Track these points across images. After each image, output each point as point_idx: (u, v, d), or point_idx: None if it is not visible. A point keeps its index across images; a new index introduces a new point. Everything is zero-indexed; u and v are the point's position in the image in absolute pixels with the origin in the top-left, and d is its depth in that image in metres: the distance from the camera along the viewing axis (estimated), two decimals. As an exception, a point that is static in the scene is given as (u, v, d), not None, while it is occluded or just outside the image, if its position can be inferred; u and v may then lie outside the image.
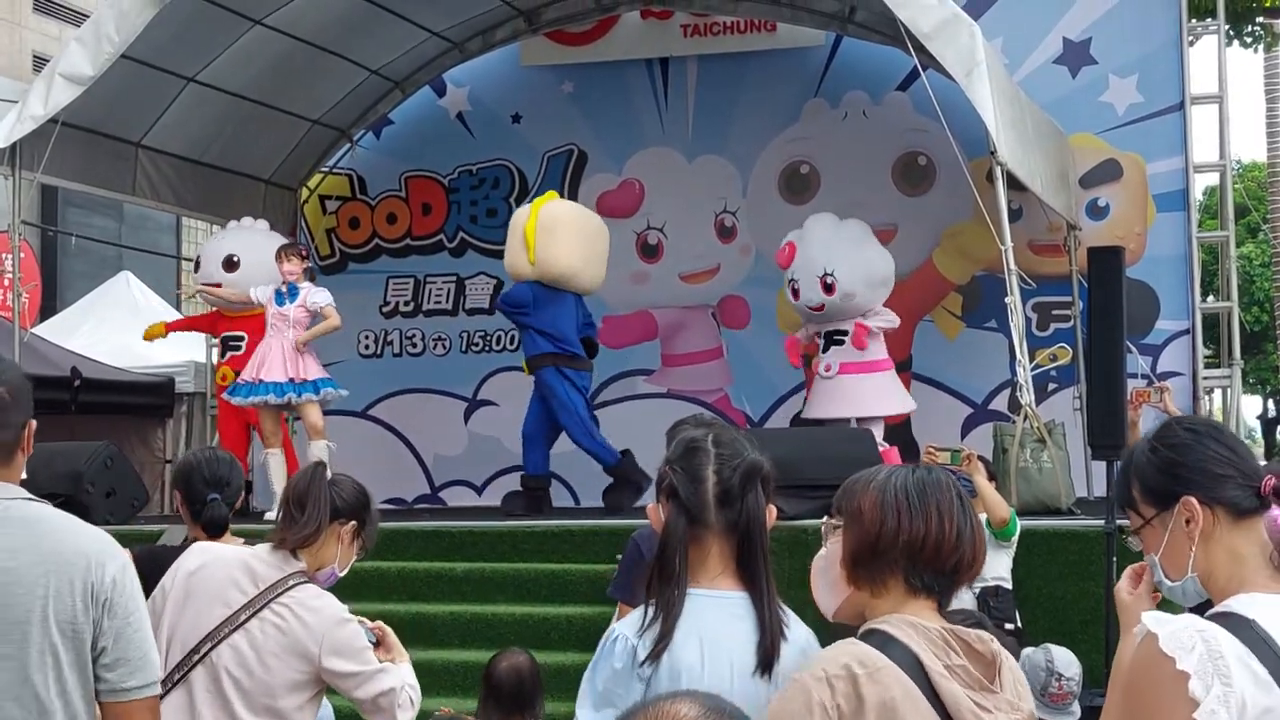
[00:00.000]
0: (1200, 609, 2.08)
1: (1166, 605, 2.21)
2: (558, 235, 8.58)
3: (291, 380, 8.47)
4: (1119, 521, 6.25)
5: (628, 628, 2.48)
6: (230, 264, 9.62)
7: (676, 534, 2.48)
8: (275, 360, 8.49)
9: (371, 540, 3.51)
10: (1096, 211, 10.04)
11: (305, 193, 11.67)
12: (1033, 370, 7.73)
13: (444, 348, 11.37)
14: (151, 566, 3.31)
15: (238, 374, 8.91)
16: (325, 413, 8.88)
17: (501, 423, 10.54)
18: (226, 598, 3.21)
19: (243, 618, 3.18)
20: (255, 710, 3.14)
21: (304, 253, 8.90)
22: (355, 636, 3.26)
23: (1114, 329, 7.00)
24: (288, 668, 3.17)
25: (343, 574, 3.45)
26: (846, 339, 8.64)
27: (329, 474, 3.45)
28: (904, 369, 9.64)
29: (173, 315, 13.82)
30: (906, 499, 2.18)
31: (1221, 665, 1.90)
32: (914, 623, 2.12)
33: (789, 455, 7.00)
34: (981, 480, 6.21)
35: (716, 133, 10.84)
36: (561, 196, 11.04)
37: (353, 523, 3.42)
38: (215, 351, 10.50)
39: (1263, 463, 2.26)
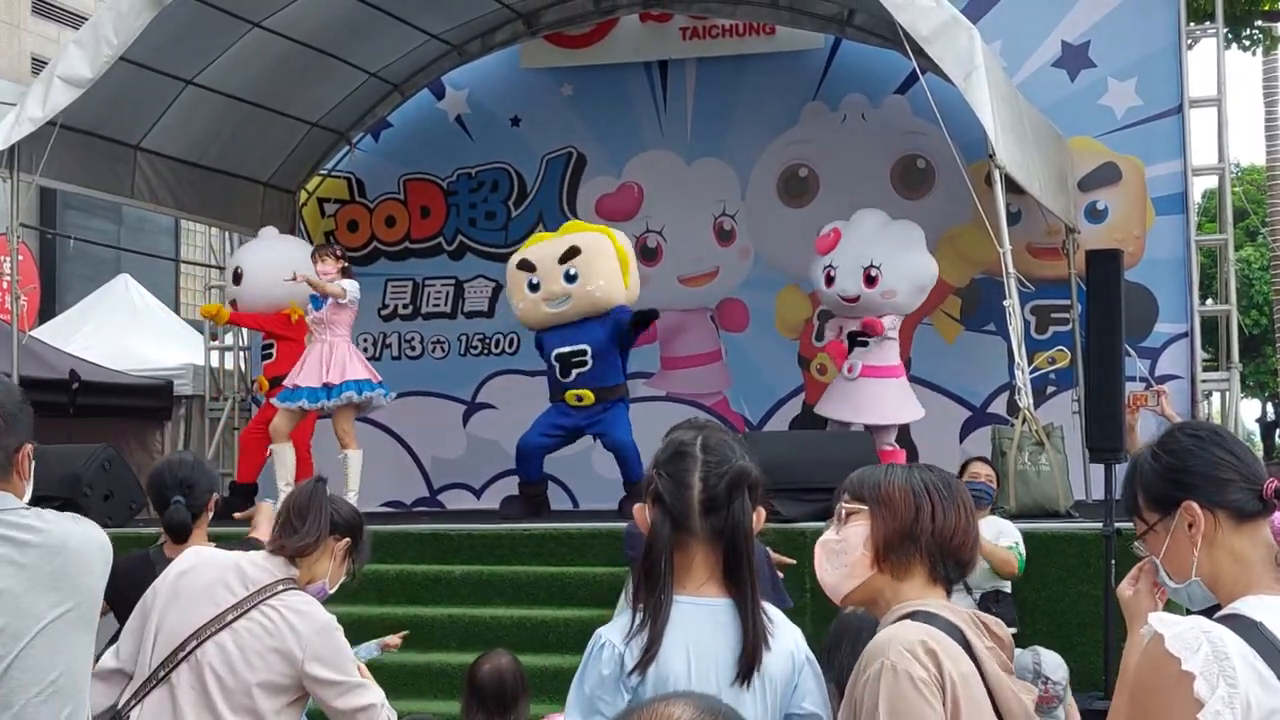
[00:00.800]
0: (1209, 613, 2.07)
1: (1173, 609, 2.21)
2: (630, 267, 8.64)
3: (326, 386, 8.34)
4: (1117, 524, 6.25)
5: (615, 633, 2.47)
6: (236, 277, 9.85)
7: (661, 539, 2.46)
8: (312, 365, 8.41)
9: (361, 565, 3.59)
10: (1095, 214, 10.04)
11: (304, 195, 11.66)
12: (1031, 373, 7.73)
13: (443, 351, 11.36)
14: (126, 579, 3.43)
15: (271, 381, 9.10)
16: (323, 416, 8.76)
17: (500, 426, 10.53)
18: (215, 597, 3.23)
19: (230, 617, 3.19)
20: (236, 710, 3.15)
21: (338, 253, 8.59)
22: (341, 646, 3.27)
23: (1113, 332, 6.99)
24: (270, 669, 3.17)
25: (332, 591, 3.50)
26: (871, 340, 8.55)
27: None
28: (902, 371, 9.63)
29: (171, 318, 13.89)
30: (938, 489, 2.25)
31: (1227, 666, 1.89)
32: (949, 606, 2.18)
33: (787, 458, 7.03)
34: (989, 546, 5.73)
35: (715, 135, 10.83)
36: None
37: (347, 539, 3.50)
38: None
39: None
